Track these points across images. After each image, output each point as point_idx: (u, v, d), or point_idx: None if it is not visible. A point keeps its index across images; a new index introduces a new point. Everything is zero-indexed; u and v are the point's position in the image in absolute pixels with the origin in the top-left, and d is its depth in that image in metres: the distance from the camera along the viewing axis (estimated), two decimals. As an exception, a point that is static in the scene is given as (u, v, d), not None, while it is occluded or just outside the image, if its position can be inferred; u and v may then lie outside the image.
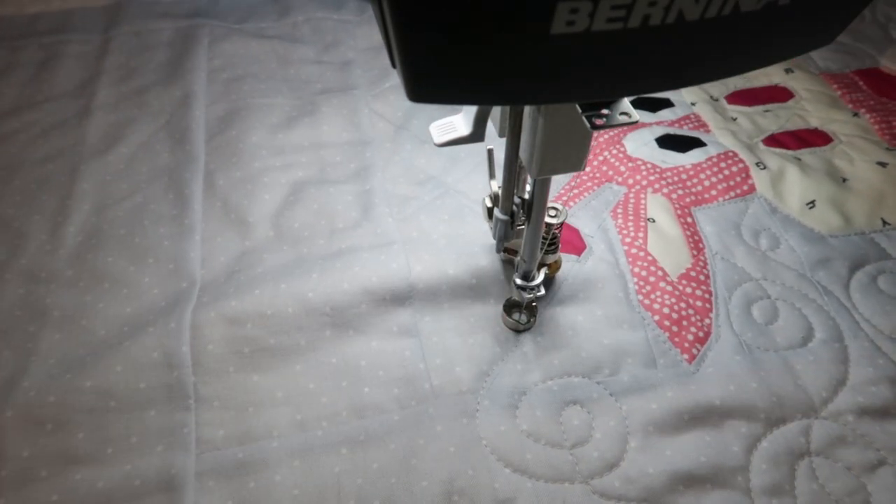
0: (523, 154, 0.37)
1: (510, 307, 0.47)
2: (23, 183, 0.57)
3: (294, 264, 0.51)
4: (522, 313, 0.47)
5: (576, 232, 0.53)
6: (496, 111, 0.38)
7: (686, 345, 0.47)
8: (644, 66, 0.26)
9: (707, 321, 0.48)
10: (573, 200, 0.56)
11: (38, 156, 0.59)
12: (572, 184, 0.58)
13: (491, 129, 0.38)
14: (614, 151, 0.61)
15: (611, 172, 0.59)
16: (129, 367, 0.44)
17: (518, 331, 0.47)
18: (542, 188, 0.38)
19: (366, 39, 0.73)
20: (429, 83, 0.25)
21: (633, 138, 0.62)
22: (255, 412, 0.43)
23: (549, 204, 0.42)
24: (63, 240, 0.53)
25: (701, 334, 0.47)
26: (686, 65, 0.26)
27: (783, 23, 0.25)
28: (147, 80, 0.66)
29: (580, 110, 0.31)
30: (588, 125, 0.31)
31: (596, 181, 0.58)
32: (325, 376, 0.45)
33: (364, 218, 0.54)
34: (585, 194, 0.57)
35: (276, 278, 0.49)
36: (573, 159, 0.35)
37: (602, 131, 0.43)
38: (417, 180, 0.58)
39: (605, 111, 0.31)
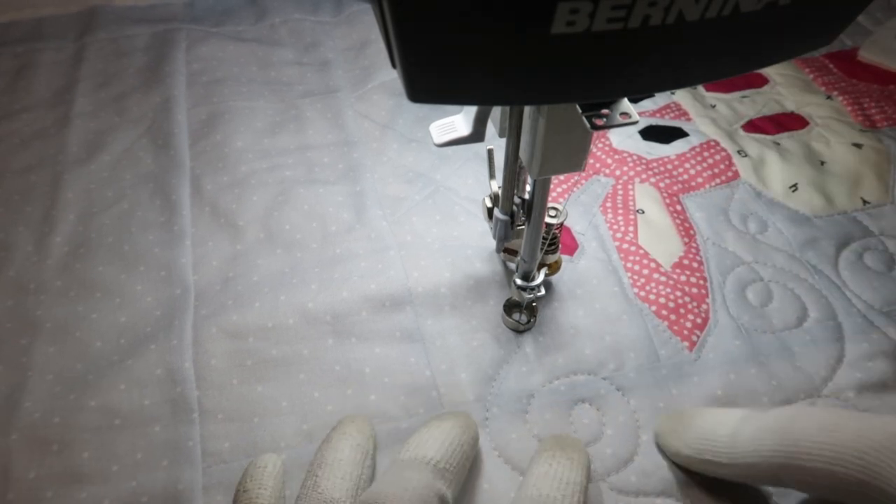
0: (523, 154, 0.37)
1: (510, 307, 0.47)
2: (5, 194, 0.56)
3: (290, 272, 0.51)
4: (523, 313, 0.47)
5: (567, 231, 0.53)
6: (496, 111, 0.38)
7: (685, 332, 0.47)
8: (644, 66, 0.26)
9: (704, 307, 0.49)
10: (563, 196, 0.57)
11: (18, 166, 0.58)
12: (561, 178, 0.58)
13: (491, 129, 0.38)
14: (599, 145, 0.61)
15: (598, 165, 0.60)
16: (132, 385, 0.44)
17: (518, 331, 0.47)
18: (542, 188, 0.38)
19: (344, 40, 0.72)
20: (429, 83, 0.25)
21: (617, 131, 0.62)
22: (260, 423, 0.43)
23: (549, 204, 0.42)
24: (50, 250, 0.52)
25: (699, 320, 0.48)
26: (686, 65, 0.26)
27: (783, 23, 0.25)
28: (126, 86, 0.65)
29: (580, 110, 0.31)
30: (588, 125, 0.31)
31: (584, 174, 0.59)
32: (329, 384, 0.45)
33: (357, 221, 0.54)
34: (575, 189, 0.57)
35: (275, 289, 0.49)
36: (573, 159, 0.35)
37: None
38: (407, 178, 0.58)
39: (605, 111, 0.31)
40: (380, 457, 0.41)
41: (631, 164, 0.59)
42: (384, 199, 0.56)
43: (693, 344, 0.47)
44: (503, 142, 0.38)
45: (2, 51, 0.68)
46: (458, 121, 0.38)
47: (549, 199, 0.40)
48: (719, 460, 0.36)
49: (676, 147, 0.61)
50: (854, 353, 0.47)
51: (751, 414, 0.36)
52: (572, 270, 0.51)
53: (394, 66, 0.25)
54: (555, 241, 0.45)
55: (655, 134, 0.62)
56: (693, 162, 0.59)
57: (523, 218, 0.42)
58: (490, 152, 0.44)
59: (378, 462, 0.41)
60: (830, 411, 0.34)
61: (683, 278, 0.50)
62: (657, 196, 0.56)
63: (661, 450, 0.42)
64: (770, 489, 0.41)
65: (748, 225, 0.55)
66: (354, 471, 0.37)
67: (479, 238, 0.53)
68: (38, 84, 0.65)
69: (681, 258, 0.52)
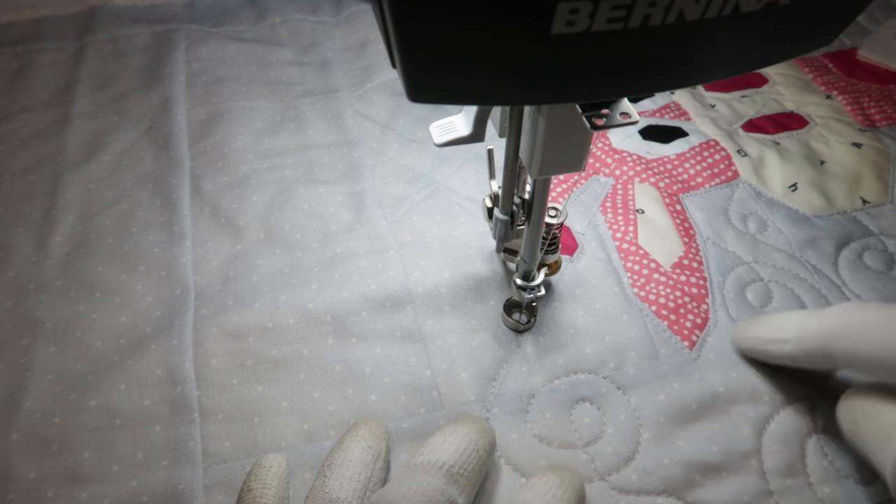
0: (523, 154, 0.37)
1: (510, 307, 0.47)
2: (5, 195, 0.56)
3: (290, 272, 0.50)
4: (523, 313, 0.47)
5: (567, 230, 0.53)
6: (496, 111, 0.38)
7: (685, 332, 0.47)
8: (644, 66, 0.26)
9: (704, 307, 0.49)
10: (563, 196, 0.57)
11: (18, 167, 0.58)
12: (561, 178, 0.58)
13: (491, 129, 0.38)
14: (599, 144, 0.61)
15: (598, 165, 0.60)
16: (132, 385, 0.44)
17: (518, 331, 0.47)
18: (542, 188, 0.38)
19: (344, 40, 0.72)
20: (429, 83, 0.25)
21: (617, 131, 0.62)
22: (260, 423, 0.43)
23: (549, 204, 0.42)
24: (50, 250, 0.52)
25: (699, 320, 0.48)
26: (686, 65, 0.26)
27: (783, 23, 0.25)
28: (125, 87, 0.65)
29: (580, 110, 0.31)
30: (588, 125, 0.31)
31: (584, 174, 0.59)
32: (329, 384, 0.45)
33: (357, 220, 0.54)
34: (575, 189, 0.57)
35: (275, 289, 0.49)
36: (573, 159, 0.35)
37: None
38: (407, 178, 0.58)
39: (605, 111, 0.31)
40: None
41: (631, 164, 0.59)
42: (384, 199, 0.56)
43: (693, 343, 0.47)
44: (503, 142, 0.38)
45: (1, 51, 0.68)
46: (458, 121, 0.38)
47: (549, 199, 0.40)
48: (784, 336, 0.41)
49: (676, 147, 0.61)
50: (854, 352, 0.46)
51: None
52: (572, 270, 0.51)
53: (394, 66, 0.25)
54: (555, 241, 0.45)
55: (655, 134, 0.62)
56: (693, 162, 0.59)
57: (523, 218, 0.42)
58: (490, 152, 0.44)
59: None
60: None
61: (683, 278, 0.50)
62: (657, 196, 0.56)
63: (738, 345, 0.46)
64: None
65: (748, 225, 0.55)
66: (363, 472, 0.37)
67: (479, 238, 0.53)
68: (38, 84, 0.65)
69: (680, 258, 0.52)
